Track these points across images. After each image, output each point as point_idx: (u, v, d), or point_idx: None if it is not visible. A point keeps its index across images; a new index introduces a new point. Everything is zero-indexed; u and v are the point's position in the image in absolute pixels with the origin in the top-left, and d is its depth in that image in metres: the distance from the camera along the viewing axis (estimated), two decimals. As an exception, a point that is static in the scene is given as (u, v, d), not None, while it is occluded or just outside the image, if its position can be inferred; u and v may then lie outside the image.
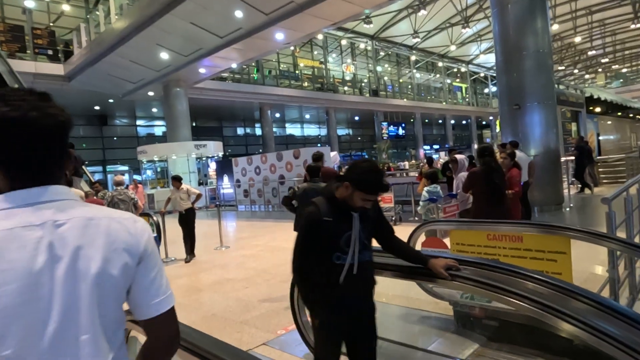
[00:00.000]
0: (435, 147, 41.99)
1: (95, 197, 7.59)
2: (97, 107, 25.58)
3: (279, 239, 8.99)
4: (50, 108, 0.92)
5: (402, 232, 8.56)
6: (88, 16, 19.85)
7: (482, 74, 45.05)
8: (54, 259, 0.86)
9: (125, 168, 27.74)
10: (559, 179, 9.63)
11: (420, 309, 4.14)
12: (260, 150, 28.28)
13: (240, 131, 35.36)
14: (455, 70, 43.13)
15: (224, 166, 19.31)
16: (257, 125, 33.06)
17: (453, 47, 35.36)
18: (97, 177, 21.90)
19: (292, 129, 38.06)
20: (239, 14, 12.84)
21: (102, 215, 0.95)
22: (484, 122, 47.60)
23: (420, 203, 5.91)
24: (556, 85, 18.62)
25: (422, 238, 4.26)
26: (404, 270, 2.33)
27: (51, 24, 21.60)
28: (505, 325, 3.26)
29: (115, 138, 28.25)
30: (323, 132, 37.44)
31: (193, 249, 7.65)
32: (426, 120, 41.49)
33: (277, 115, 33.00)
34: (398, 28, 31.98)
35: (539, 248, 3.25)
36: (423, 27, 31.02)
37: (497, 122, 36.91)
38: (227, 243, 8.73)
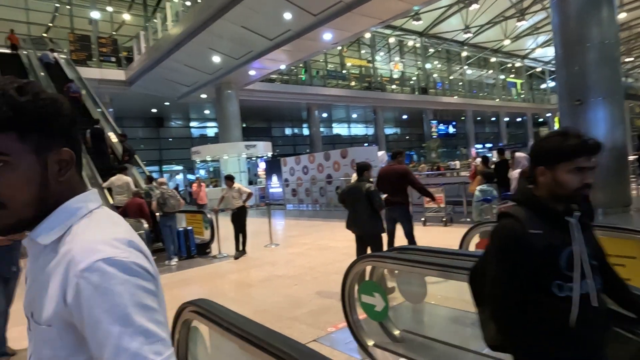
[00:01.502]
0: (488, 145, 40.42)
1: (137, 198, 7.99)
2: (154, 110, 27.00)
3: (327, 238, 9.06)
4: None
5: (454, 233, 8.30)
6: (147, 24, 20.98)
7: (538, 69, 42.80)
8: None
9: (180, 168, 29.05)
10: (626, 180, 8.97)
11: (474, 311, 4.02)
12: (308, 150, 28.58)
13: (288, 131, 35.91)
14: (509, 65, 41.29)
15: (273, 166, 19.71)
16: (305, 125, 33.43)
17: (507, 41, 33.90)
18: (155, 176, 23.06)
19: (339, 129, 38.11)
20: (287, 15, 13.05)
21: None
22: (540, 120, 45.17)
23: (474, 203, 5.74)
24: (624, 79, 17.32)
25: (475, 239, 4.15)
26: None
27: (114, 33, 23.07)
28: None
29: (170, 139, 29.66)
30: (370, 131, 37.18)
31: (245, 245, 7.88)
32: (478, 118, 40.04)
33: (325, 115, 33.19)
34: (448, 23, 31.11)
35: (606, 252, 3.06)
36: (475, 22, 30.00)
37: (556, 119, 34.92)
38: (277, 241, 8.92)
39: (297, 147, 33.73)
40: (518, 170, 5.85)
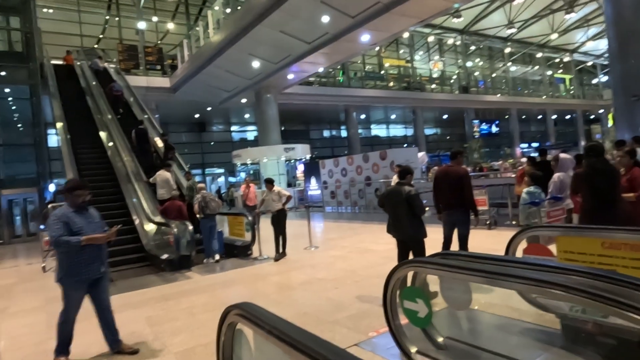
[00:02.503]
0: (535, 144, 38.74)
1: (176, 200, 8.47)
2: (196, 115, 27.92)
3: (367, 241, 9.00)
4: None
5: (499, 237, 8.04)
6: (189, 32, 21.74)
7: (589, 63, 40.58)
8: None
9: (221, 171, 29.82)
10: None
11: (521, 319, 3.86)
12: (346, 152, 28.55)
13: (326, 134, 36.03)
14: (557, 60, 39.43)
15: (311, 168, 19.84)
16: (343, 127, 33.42)
17: (554, 36, 32.44)
18: (197, 179, 23.82)
19: (378, 130, 37.80)
20: (325, 19, 13.12)
21: None
22: (592, 117, 42.80)
23: (520, 206, 5.51)
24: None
25: (523, 244, 3.98)
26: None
27: (159, 42, 24.07)
28: (625, 344, 2.91)
29: (212, 143, 30.54)
30: (409, 132, 36.63)
31: (285, 248, 7.97)
32: (523, 117, 38.50)
33: (363, 116, 33.05)
34: (490, 20, 30.16)
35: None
36: (519, 17, 28.88)
37: (610, 116, 32.90)
38: (316, 243, 8.95)
39: (335, 149, 33.78)
40: (560, 174, 5.55)
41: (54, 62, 16.72)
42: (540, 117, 39.99)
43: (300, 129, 33.45)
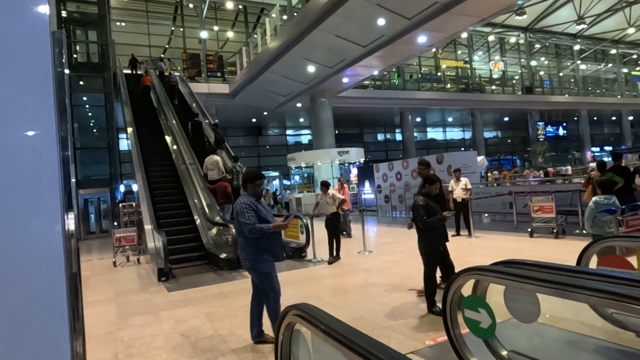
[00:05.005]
0: (608, 148, 35.89)
1: (224, 182, 9.70)
2: (254, 120, 28.79)
3: (422, 247, 8.77)
4: None
5: (567, 246, 7.53)
6: (248, 40, 22.49)
7: (673, 59, 37.00)
8: None
9: (276, 174, 30.49)
10: None
11: (594, 336, 3.58)
12: (401, 156, 28.10)
13: (380, 137, 35.71)
14: (634, 57, 36.31)
15: (365, 172, 19.71)
16: (398, 130, 32.96)
17: (631, 30, 29.89)
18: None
19: (434, 133, 36.86)
20: (381, 21, 13.02)
21: None
22: (676, 117, 38.93)
23: (586, 215, 5.10)
24: None
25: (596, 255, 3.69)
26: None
27: (219, 50, 25.12)
28: None
29: (268, 147, 31.33)
30: (467, 135, 35.37)
31: (339, 251, 7.98)
32: (594, 118, 35.82)
33: (418, 119, 32.40)
34: (557, 16, 28.43)
35: None
36: (590, 11, 26.96)
37: (697, 116, 29.72)
38: (370, 247, 8.87)
39: (389, 152, 33.38)
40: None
41: (125, 71, 18.00)
42: (614, 118, 36.99)
43: (354, 132, 33.41)
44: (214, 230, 9.22)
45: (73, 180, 1.16)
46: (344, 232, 10.56)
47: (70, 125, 1.17)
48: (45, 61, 1.13)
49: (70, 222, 1.14)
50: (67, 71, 1.18)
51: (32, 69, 1.11)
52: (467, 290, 2.96)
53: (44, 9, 1.14)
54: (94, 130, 19.99)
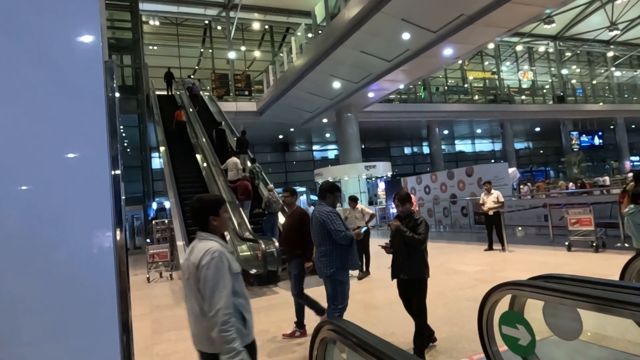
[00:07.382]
0: (647, 157, 34.34)
1: (244, 181, 10.46)
2: (280, 136, 29.17)
3: (454, 261, 8.59)
4: None
5: (608, 260, 7.23)
6: (274, 58, 22.97)
7: None
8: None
9: (304, 189, 30.66)
10: None
11: (642, 356, 3.40)
12: (428, 169, 27.74)
13: (407, 150, 35.42)
14: (673, 61, 34.91)
15: (393, 186, 19.57)
16: (425, 143, 32.64)
17: (669, 34, 28.80)
18: (278, 190, 24.76)
19: (462, 146, 36.26)
20: (406, 36, 13.06)
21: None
22: None
23: (625, 226, 4.89)
24: None
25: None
26: None
27: (247, 69, 25.76)
28: None
29: (294, 162, 31.60)
30: (497, 146, 34.61)
31: (368, 266, 7.91)
32: (632, 126, 34.40)
33: (446, 132, 31.99)
34: (588, 23, 27.74)
35: None
36: (623, 17, 26.19)
37: None
38: (400, 262, 8.74)
39: (417, 166, 33.01)
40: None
41: (157, 92, 18.70)
42: (654, 126, 35.45)
43: (381, 146, 33.29)
44: (244, 247, 9.33)
45: (123, 197, 1.23)
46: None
47: (119, 146, 1.25)
48: (98, 88, 1.21)
49: (120, 237, 1.21)
50: (117, 94, 1.27)
51: (86, 95, 1.20)
52: (503, 306, 2.88)
53: (97, 41, 1.23)
54: (128, 150, 20.74)
